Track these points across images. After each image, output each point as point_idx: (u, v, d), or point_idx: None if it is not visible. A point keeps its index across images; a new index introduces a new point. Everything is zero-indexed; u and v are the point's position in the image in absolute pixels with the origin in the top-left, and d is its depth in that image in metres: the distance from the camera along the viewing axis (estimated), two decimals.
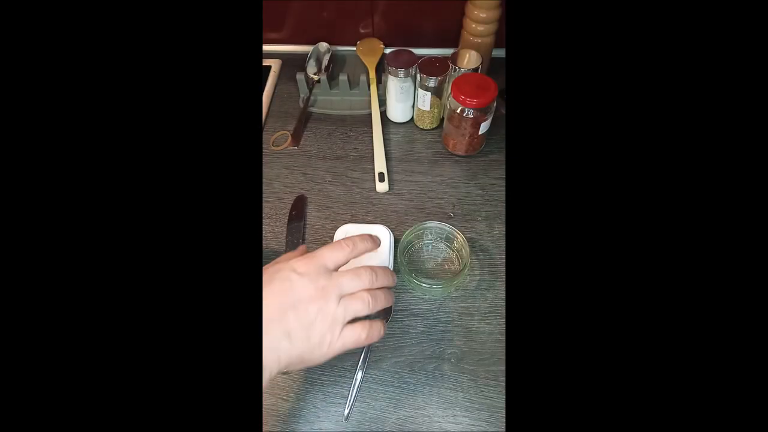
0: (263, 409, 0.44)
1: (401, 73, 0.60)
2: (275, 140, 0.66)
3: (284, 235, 0.56)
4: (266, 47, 0.77)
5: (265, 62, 0.75)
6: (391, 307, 0.47)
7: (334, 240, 0.49)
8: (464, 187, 0.60)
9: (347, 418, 0.44)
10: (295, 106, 0.70)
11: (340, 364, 0.47)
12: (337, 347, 0.33)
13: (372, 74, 0.70)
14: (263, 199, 0.59)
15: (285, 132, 0.67)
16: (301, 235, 0.56)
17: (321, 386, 0.46)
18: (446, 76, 0.59)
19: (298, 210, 0.58)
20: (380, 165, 0.61)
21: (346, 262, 0.36)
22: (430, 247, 0.55)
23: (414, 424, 0.43)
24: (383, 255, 0.50)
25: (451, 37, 0.70)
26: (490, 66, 0.71)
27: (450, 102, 0.58)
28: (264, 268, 0.35)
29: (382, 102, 0.68)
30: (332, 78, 0.70)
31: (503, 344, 0.47)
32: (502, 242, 0.54)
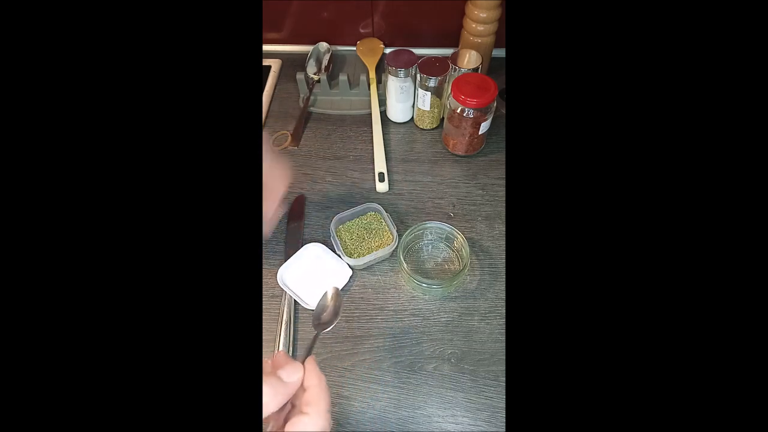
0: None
1: (401, 73, 0.60)
2: (275, 140, 0.66)
3: (284, 235, 0.56)
4: (266, 47, 0.77)
5: (265, 62, 0.75)
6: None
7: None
8: (464, 187, 0.60)
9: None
10: (295, 106, 0.70)
11: (340, 364, 0.47)
12: None
13: (372, 74, 0.70)
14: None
15: (285, 132, 0.67)
16: (301, 235, 0.56)
17: None
18: (446, 76, 0.59)
19: (297, 210, 0.58)
20: (380, 165, 0.61)
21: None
22: (430, 247, 0.55)
23: (414, 424, 0.43)
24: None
25: (451, 37, 0.70)
26: (490, 66, 0.71)
27: (450, 102, 0.58)
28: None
29: (382, 102, 0.68)
30: (332, 78, 0.70)
31: (503, 344, 0.47)
32: (502, 242, 0.54)
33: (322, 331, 0.41)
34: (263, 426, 0.28)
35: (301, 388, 0.29)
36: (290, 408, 0.30)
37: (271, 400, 0.27)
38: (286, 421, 0.28)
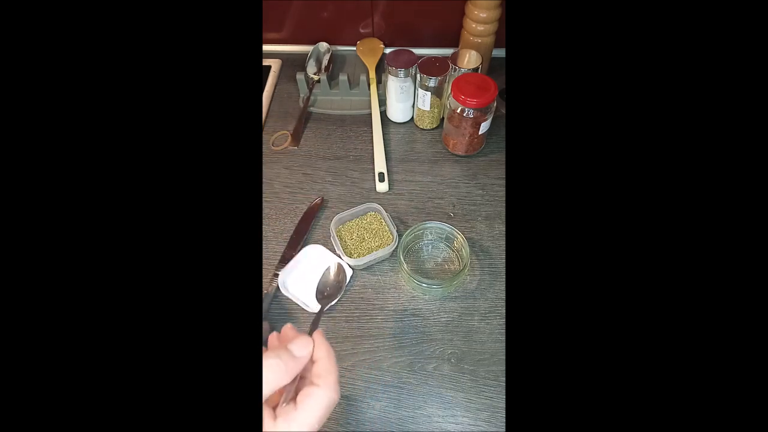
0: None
1: (401, 73, 0.60)
2: (275, 140, 0.66)
3: (283, 234, 0.56)
4: (266, 47, 0.77)
5: (265, 62, 0.75)
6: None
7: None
8: (464, 187, 0.60)
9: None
10: (295, 106, 0.70)
11: (340, 364, 0.47)
12: None
13: (372, 74, 0.70)
14: (263, 199, 0.59)
15: (285, 132, 0.67)
16: (304, 239, 0.55)
17: None
18: (446, 76, 0.59)
19: (311, 213, 0.57)
20: (380, 165, 0.61)
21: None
22: (430, 247, 0.55)
23: (414, 424, 0.43)
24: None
25: (451, 37, 0.70)
26: (490, 66, 0.71)
27: (450, 102, 0.58)
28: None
29: (382, 102, 0.68)
30: (332, 78, 0.70)
31: (503, 344, 0.47)
32: (502, 242, 0.54)
33: (326, 305, 0.41)
34: (278, 398, 0.29)
35: (311, 360, 0.30)
36: (300, 380, 0.31)
37: (283, 374, 0.28)
38: (297, 392, 0.29)
